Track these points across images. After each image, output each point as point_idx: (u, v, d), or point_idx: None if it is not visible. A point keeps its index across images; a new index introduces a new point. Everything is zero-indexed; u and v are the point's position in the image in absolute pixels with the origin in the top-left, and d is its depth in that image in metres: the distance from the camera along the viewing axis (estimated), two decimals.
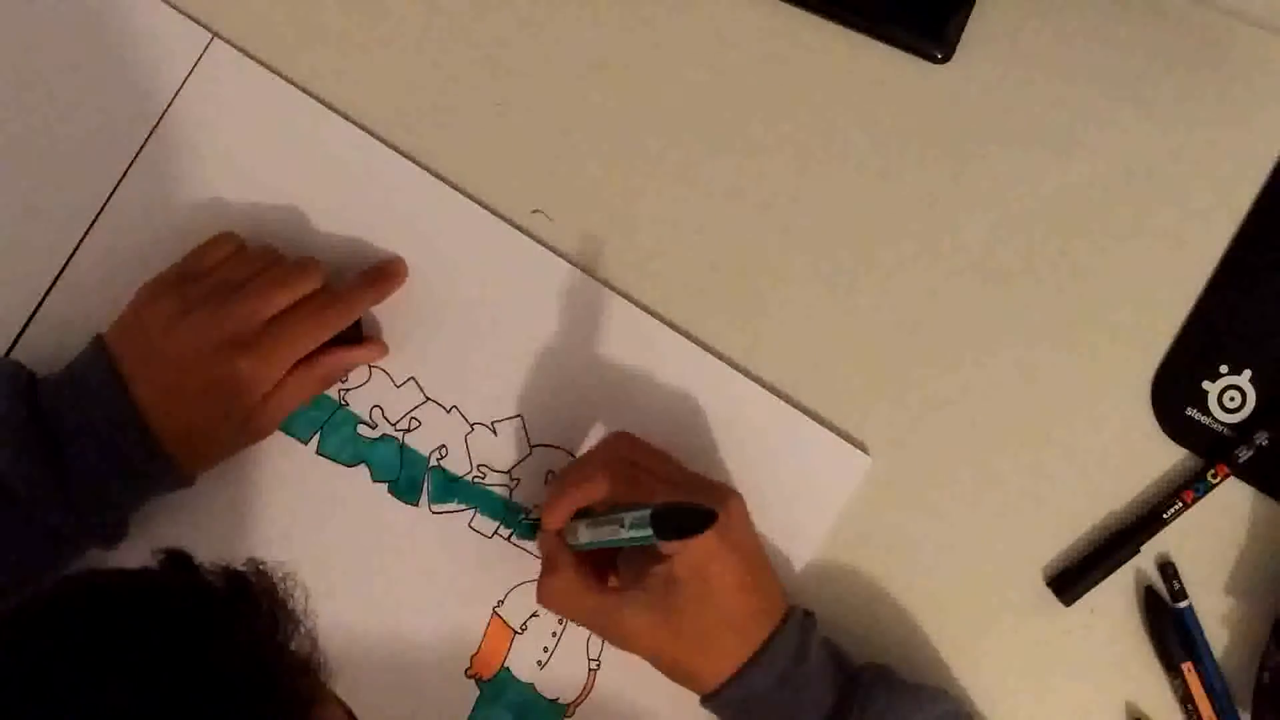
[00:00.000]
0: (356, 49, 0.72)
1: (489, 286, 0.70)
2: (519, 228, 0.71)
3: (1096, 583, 0.69)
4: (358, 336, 0.68)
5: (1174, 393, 0.71)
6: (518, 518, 0.69)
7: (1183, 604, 0.69)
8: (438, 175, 0.71)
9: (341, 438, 0.69)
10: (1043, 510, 0.71)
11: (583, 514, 0.64)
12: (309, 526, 0.69)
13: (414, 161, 0.71)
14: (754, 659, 0.62)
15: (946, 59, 0.72)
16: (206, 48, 0.71)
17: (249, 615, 0.45)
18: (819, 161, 0.72)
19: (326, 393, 0.69)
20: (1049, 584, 0.70)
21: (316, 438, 0.69)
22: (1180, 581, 0.69)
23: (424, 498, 0.69)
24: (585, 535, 0.63)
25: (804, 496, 0.69)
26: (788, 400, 0.70)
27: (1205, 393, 0.71)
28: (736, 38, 0.72)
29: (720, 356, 0.70)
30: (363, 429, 0.70)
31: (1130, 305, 0.71)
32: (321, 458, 0.69)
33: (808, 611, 0.65)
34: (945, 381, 0.71)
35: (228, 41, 0.71)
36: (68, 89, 0.71)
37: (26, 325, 0.70)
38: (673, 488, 0.62)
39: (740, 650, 0.62)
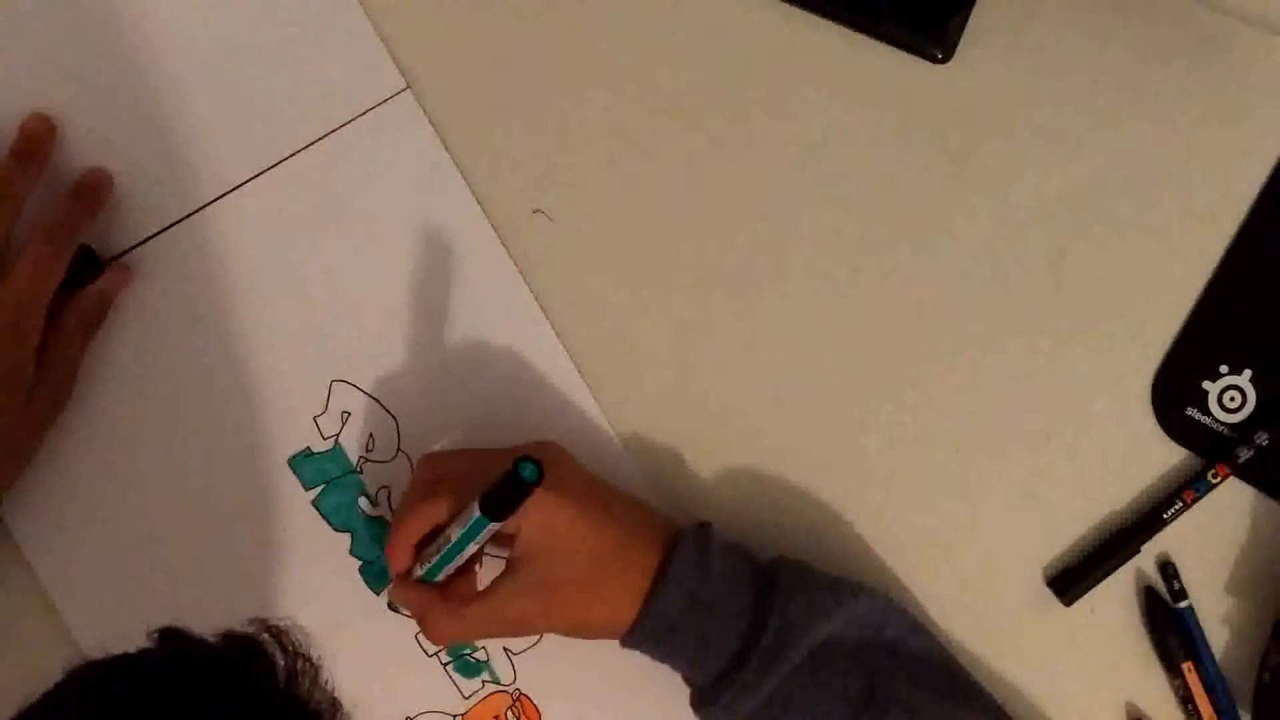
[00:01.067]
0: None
1: (509, 390, 0.70)
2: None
3: (1096, 583, 0.69)
4: (96, 265, 0.67)
5: (1174, 393, 0.71)
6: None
7: (1183, 604, 0.69)
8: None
9: (340, 501, 0.69)
10: (1043, 510, 0.71)
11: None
12: (273, 571, 0.68)
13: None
14: (653, 587, 0.61)
15: (946, 59, 0.72)
16: (395, 95, 0.70)
17: (260, 676, 0.44)
18: (819, 161, 0.72)
19: (344, 451, 0.69)
20: (1049, 584, 0.70)
21: (318, 491, 0.69)
22: (1180, 581, 0.69)
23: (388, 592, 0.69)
24: (430, 560, 0.62)
25: None
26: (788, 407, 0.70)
27: (1205, 393, 0.71)
28: (737, 37, 0.72)
29: (719, 352, 0.71)
30: (363, 502, 0.69)
31: (1130, 305, 0.71)
32: (314, 510, 0.69)
33: (703, 523, 0.65)
34: (945, 381, 0.71)
35: (418, 99, 0.70)
36: (241, 76, 0.69)
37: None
38: (484, 472, 0.60)
39: (636, 583, 0.62)
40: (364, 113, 0.70)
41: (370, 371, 0.69)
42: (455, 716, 0.68)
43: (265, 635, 0.45)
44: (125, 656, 0.43)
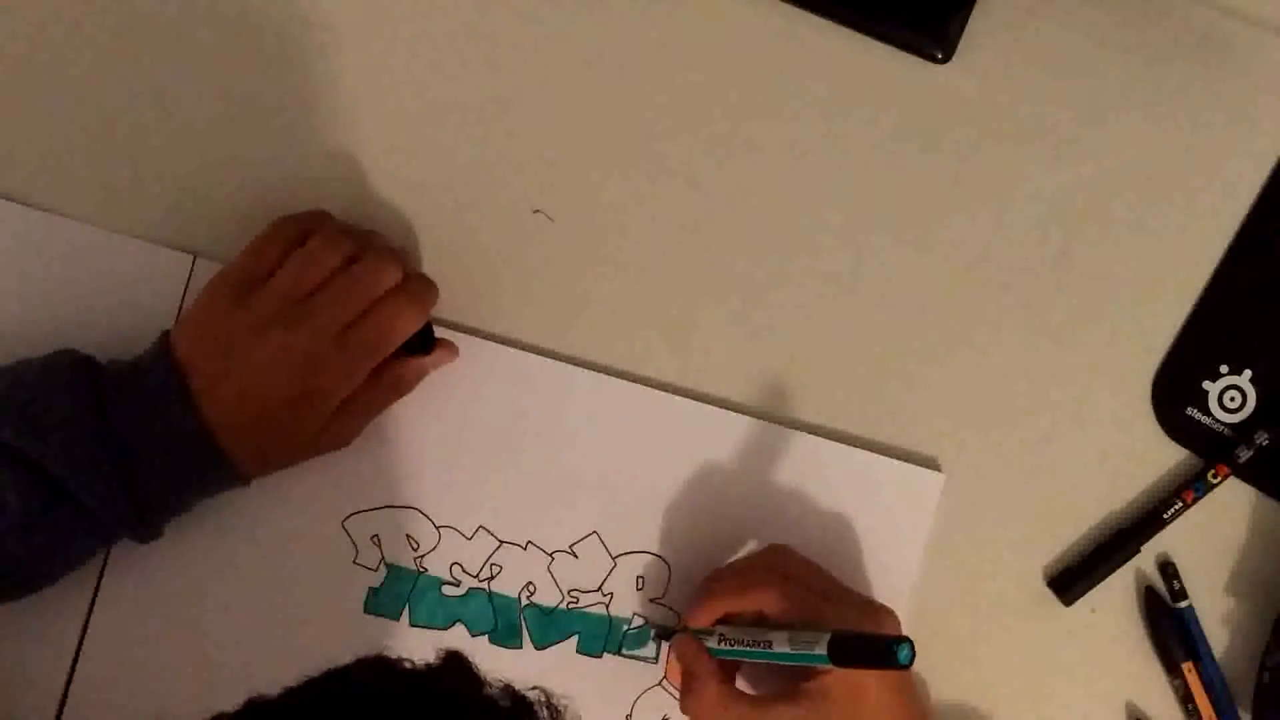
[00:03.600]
0: (357, 55, 0.72)
1: (523, 417, 0.69)
2: (529, 348, 0.70)
3: (1096, 583, 0.69)
4: (430, 337, 0.67)
5: (1174, 393, 0.71)
6: (622, 631, 0.69)
7: (1183, 604, 0.69)
8: (431, 182, 0.71)
9: (430, 604, 0.68)
10: (1043, 510, 0.71)
11: (720, 620, 0.65)
12: None
13: (403, 162, 0.71)
14: None
15: (946, 59, 0.72)
16: (192, 269, 0.68)
17: None
18: (819, 161, 0.72)
19: (405, 564, 0.68)
20: (1049, 584, 0.70)
21: (406, 611, 0.68)
22: (1180, 581, 0.69)
23: (525, 638, 0.69)
24: (729, 644, 0.63)
25: (887, 532, 0.70)
26: (787, 420, 0.70)
27: (1205, 393, 0.71)
28: (736, 37, 0.72)
29: (720, 352, 0.71)
30: (448, 589, 0.69)
31: (1130, 305, 0.71)
32: (416, 628, 0.68)
33: None
34: (944, 382, 0.71)
35: (209, 258, 0.68)
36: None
37: None
38: (832, 606, 0.62)
39: None
40: (183, 297, 0.68)
41: (366, 493, 0.69)
42: (662, 680, 0.68)
43: (543, 699, 0.46)
44: (413, 674, 0.45)
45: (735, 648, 0.63)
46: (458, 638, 0.68)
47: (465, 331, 0.69)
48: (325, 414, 0.64)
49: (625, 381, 0.70)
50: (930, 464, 0.70)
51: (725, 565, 0.68)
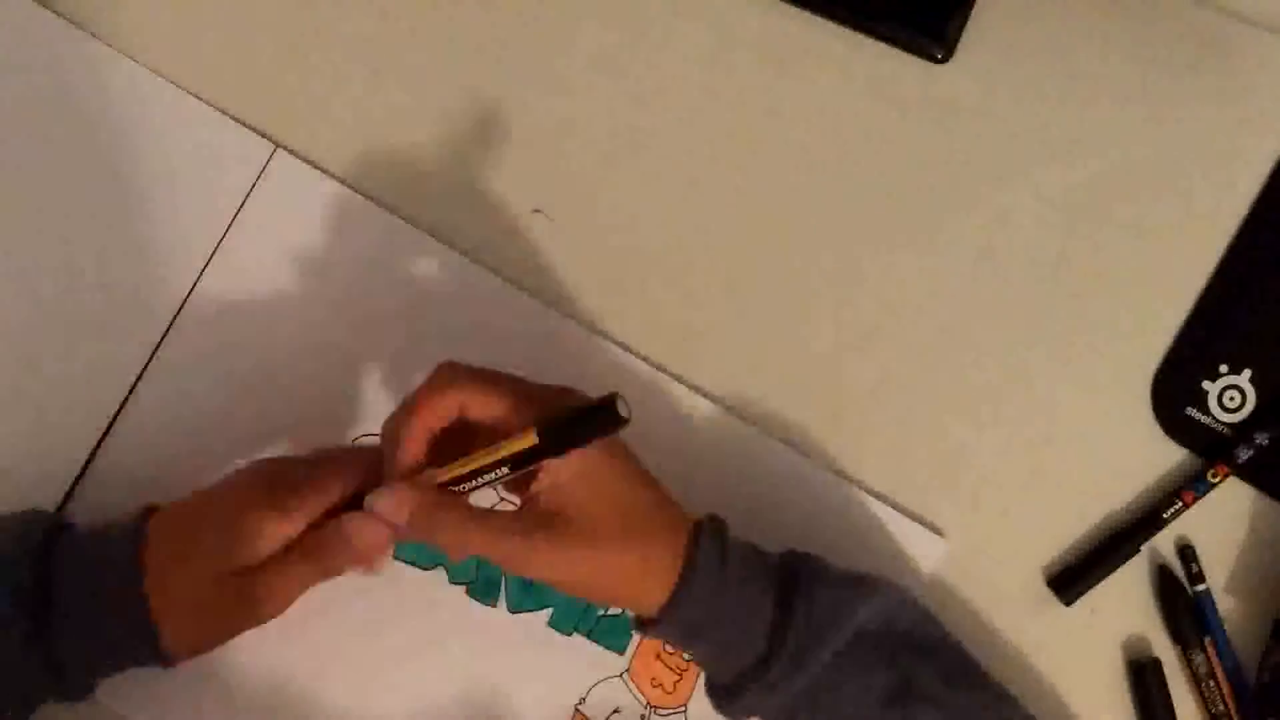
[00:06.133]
0: (368, 50, 0.72)
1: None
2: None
3: (1097, 582, 0.69)
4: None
5: (1174, 393, 0.71)
6: (595, 614, 0.69)
7: (1200, 588, 0.69)
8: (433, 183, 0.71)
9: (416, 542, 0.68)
10: (1043, 510, 0.71)
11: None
12: (388, 629, 0.68)
13: (411, 166, 0.71)
14: (680, 582, 0.58)
15: (946, 59, 0.72)
16: (270, 159, 0.71)
17: None
18: (818, 161, 0.72)
19: None
20: (1049, 584, 0.70)
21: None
22: (1199, 565, 0.69)
23: (502, 599, 0.69)
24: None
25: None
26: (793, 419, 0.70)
27: (1205, 393, 0.71)
28: (737, 37, 0.72)
29: (719, 353, 0.71)
30: None
31: (1130, 305, 0.71)
32: (399, 562, 0.69)
33: (714, 515, 0.61)
34: (944, 382, 0.71)
35: (291, 152, 0.71)
36: (133, 207, 0.70)
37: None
38: (533, 400, 0.58)
39: (663, 560, 0.58)
40: (250, 191, 0.71)
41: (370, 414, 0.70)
42: (623, 674, 0.69)
43: None
44: None
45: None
46: (437, 581, 0.69)
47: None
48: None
49: (645, 362, 0.70)
50: (933, 527, 0.70)
51: (395, 411, 0.60)
